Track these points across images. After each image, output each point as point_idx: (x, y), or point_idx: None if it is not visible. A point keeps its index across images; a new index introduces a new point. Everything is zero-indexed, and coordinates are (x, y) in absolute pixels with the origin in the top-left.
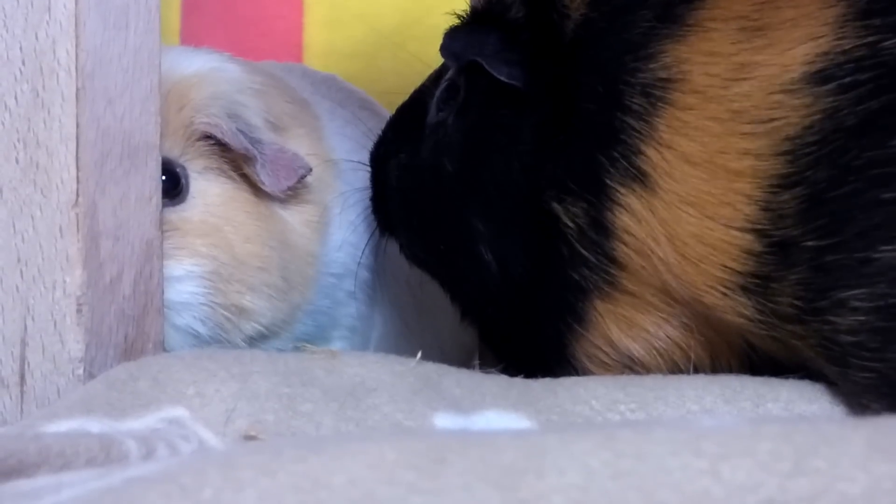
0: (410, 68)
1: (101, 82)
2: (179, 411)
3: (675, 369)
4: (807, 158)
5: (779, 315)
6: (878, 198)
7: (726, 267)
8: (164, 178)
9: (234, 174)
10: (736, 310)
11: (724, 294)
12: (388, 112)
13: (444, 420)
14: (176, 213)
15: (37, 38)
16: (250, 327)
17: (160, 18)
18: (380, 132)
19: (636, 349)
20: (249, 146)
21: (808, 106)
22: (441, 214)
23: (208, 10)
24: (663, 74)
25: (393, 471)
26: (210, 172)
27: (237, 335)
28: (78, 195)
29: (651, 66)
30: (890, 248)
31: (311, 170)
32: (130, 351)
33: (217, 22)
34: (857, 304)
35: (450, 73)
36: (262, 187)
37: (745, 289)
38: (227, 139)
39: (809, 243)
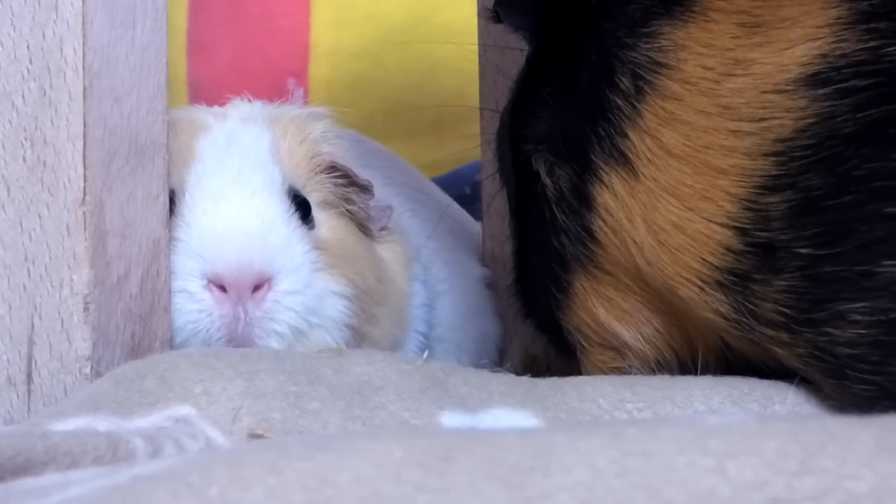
0: (417, 67)
1: (108, 81)
2: (186, 409)
3: (665, 361)
4: (799, 162)
5: (759, 318)
6: (881, 211)
7: (704, 260)
8: (295, 206)
9: (344, 209)
10: (711, 306)
11: (701, 288)
12: (374, 141)
13: (450, 418)
14: (316, 234)
15: (44, 36)
16: None
17: (167, 17)
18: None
19: (624, 332)
20: (367, 178)
21: (803, 108)
22: None
23: (215, 8)
24: (657, 58)
25: (400, 469)
26: (326, 206)
27: None
28: (85, 194)
29: (646, 45)
30: (893, 262)
31: (392, 210)
32: (137, 349)
33: (224, 20)
34: (857, 317)
35: None
36: (368, 223)
37: (721, 285)
38: (350, 168)
39: (802, 250)
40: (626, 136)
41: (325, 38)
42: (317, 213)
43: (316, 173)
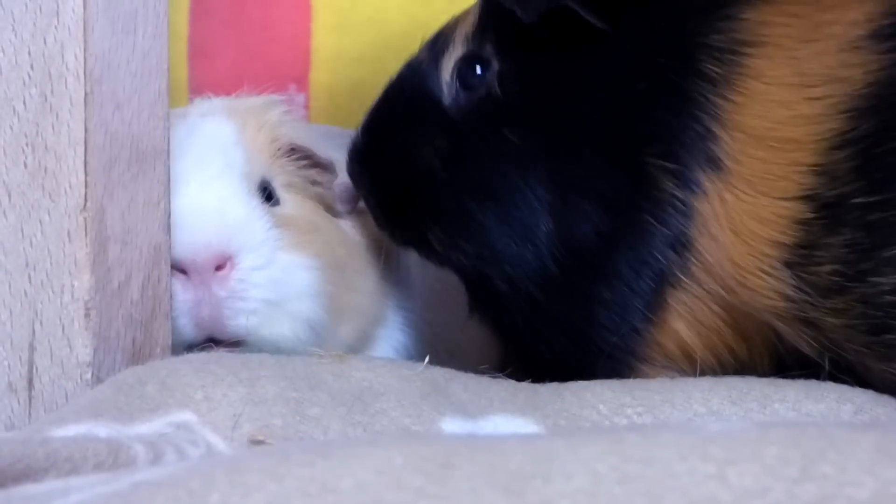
0: None
1: (109, 87)
2: (187, 416)
3: (723, 370)
4: (862, 116)
5: (818, 288)
6: None
7: (773, 241)
8: (261, 191)
9: (310, 192)
10: (776, 289)
11: (769, 273)
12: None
13: (451, 425)
14: (280, 212)
15: (45, 42)
16: (347, 330)
17: (168, 23)
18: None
19: (699, 347)
20: (328, 157)
21: (871, 63)
22: (496, 192)
23: (216, 14)
24: (742, 37)
25: (401, 475)
26: (291, 188)
27: (333, 340)
28: (86, 200)
29: (730, 26)
30: None
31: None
32: (138, 355)
33: (225, 26)
34: None
35: (467, 50)
36: (334, 204)
37: (788, 263)
38: (312, 148)
39: (858, 200)
40: (715, 135)
41: (327, 44)
42: (283, 195)
43: (278, 157)
